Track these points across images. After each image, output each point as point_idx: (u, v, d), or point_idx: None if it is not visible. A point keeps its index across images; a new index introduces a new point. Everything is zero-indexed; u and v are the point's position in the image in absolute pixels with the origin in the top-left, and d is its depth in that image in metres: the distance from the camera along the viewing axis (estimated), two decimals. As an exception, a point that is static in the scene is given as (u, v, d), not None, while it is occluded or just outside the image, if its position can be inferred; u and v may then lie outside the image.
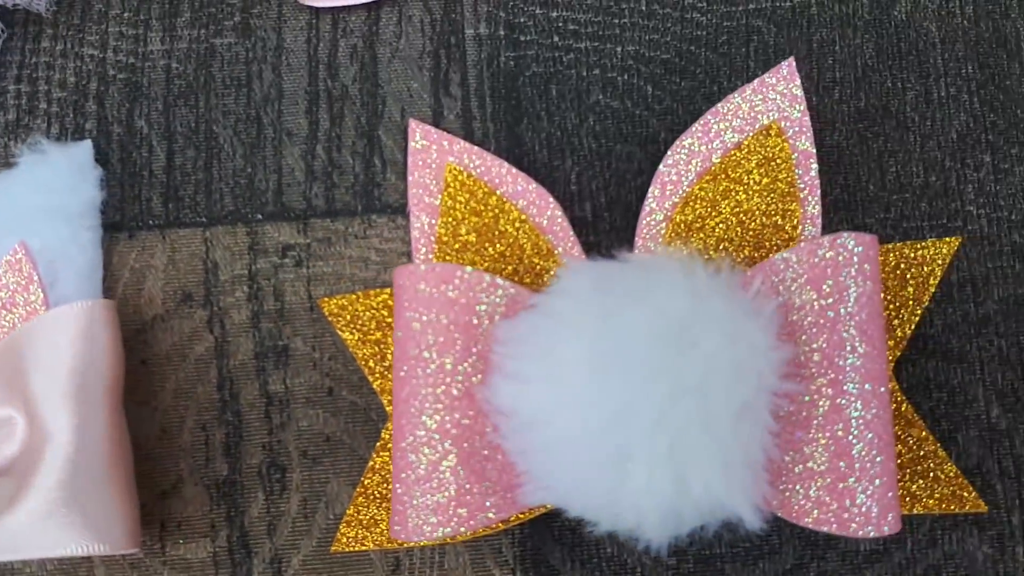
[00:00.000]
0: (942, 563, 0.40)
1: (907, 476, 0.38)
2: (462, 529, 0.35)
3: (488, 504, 0.35)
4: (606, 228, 0.43)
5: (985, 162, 0.43)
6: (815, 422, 0.34)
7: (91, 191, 0.41)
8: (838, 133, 0.43)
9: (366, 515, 0.39)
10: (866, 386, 0.34)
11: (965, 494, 0.37)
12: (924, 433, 0.38)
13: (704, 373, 0.32)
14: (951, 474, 0.38)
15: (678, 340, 0.32)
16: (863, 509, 0.33)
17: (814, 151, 0.40)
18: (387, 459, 0.39)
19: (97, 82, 0.43)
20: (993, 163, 0.43)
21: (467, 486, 0.35)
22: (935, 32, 0.44)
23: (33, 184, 0.40)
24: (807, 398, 0.34)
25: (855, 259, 0.35)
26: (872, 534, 0.34)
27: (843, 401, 0.34)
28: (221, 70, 0.44)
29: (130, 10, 0.44)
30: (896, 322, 0.39)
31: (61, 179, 0.41)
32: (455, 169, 0.41)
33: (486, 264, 0.40)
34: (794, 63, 0.41)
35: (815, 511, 0.34)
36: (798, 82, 0.40)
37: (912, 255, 0.39)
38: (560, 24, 0.44)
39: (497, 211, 0.40)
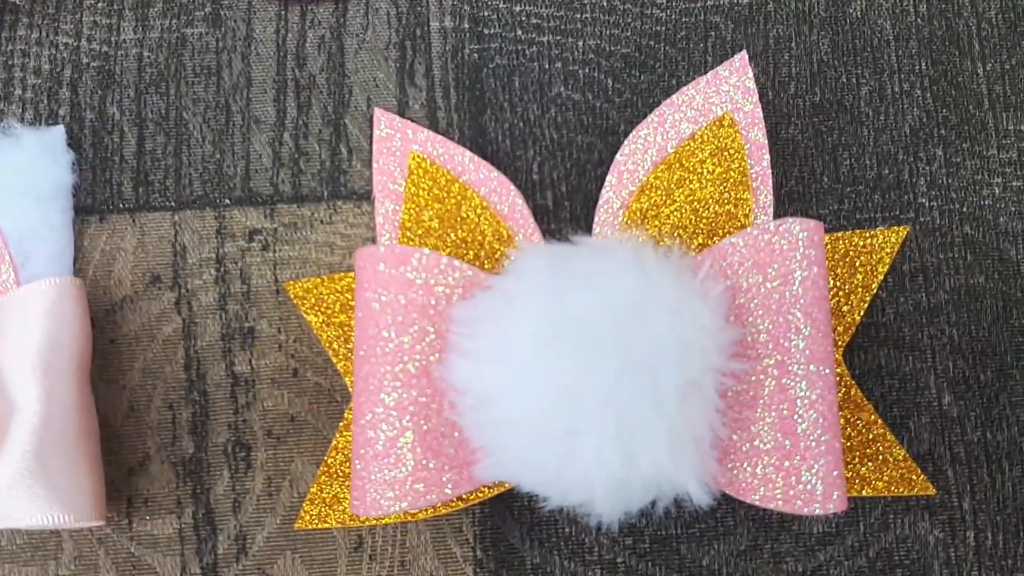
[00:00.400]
0: (894, 546, 0.41)
1: (856, 459, 0.39)
2: (420, 504, 0.36)
3: (445, 480, 0.36)
4: (567, 216, 0.44)
5: (937, 156, 0.44)
6: (761, 402, 0.35)
7: (63, 174, 0.42)
8: (793, 127, 0.45)
9: (329, 493, 0.40)
10: (811, 367, 0.35)
11: (914, 477, 0.39)
12: (873, 416, 0.39)
13: (651, 351, 0.33)
14: (899, 457, 0.39)
15: (627, 320, 0.34)
16: (808, 487, 0.35)
17: (766, 142, 0.41)
18: (350, 439, 0.40)
19: (71, 69, 0.44)
20: (945, 157, 0.44)
21: (424, 462, 0.36)
22: (889, 29, 0.46)
23: (5, 167, 0.41)
24: (753, 378, 0.35)
25: (800, 244, 0.36)
26: (818, 511, 0.35)
27: (788, 381, 0.35)
28: (192, 59, 0.45)
29: (104, 0, 0.45)
30: (846, 308, 0.40)
31: (33, 162, 0.41)
32: (419, 157, 0.42)
33: (448, 249, 0.41)
34: (746, 56, 0.42)
35: (761, 488, 0.35)
36: (750, 75, 0.41)
37: (861, 243, 0.40)
38: (523, 18, 0.45)
39: (459, 198, 0.41)
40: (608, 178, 0.41)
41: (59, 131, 0.43)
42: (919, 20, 0.46)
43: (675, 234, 0.40)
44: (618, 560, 0.41)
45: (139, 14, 0.45)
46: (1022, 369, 0.43)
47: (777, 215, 0.43)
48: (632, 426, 0.33)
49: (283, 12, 0.45)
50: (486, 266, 0.41)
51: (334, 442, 0.40)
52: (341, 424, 0.40)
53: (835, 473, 0.35)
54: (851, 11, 0.46)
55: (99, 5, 0.45)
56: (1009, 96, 0.45)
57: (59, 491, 0.36)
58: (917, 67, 0.45)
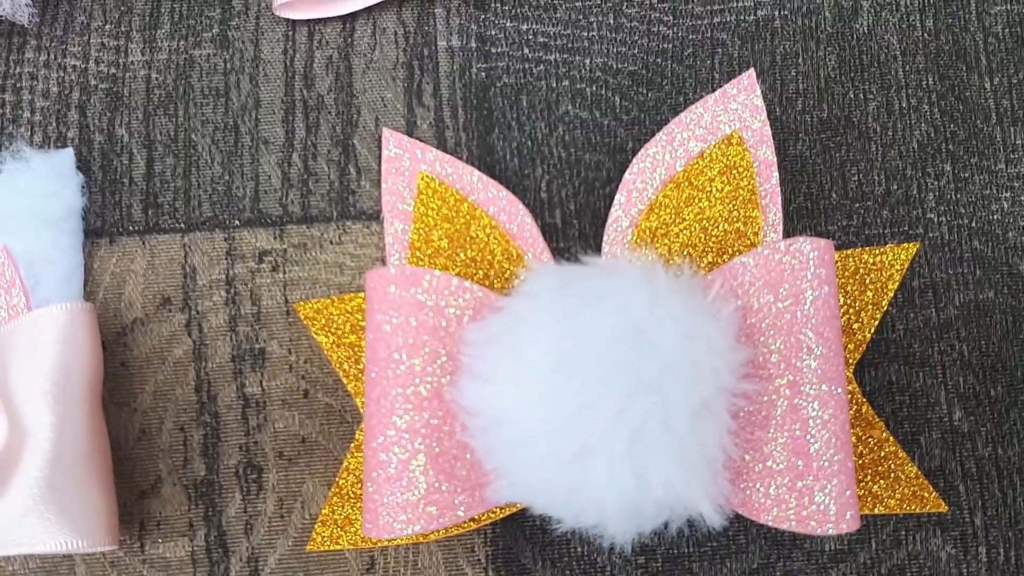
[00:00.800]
0: (906, 563, 0.41)
1: (868, 476, 0.39)
2: (432, 527, 0.35)
3: (457, 502, 0.36)
4: (575, 235, 0.44)
5: (945, 171, 0.44)
6: (774, 422, 0.35)
7: (72, 197, 0.42)
8: (801, 143, 0.45)
9: (341, 515, 0.40)
10: (823, 387, 0.35)
11: (926, 494, 0.38)
12: (884, 434, 0.39)
13: (662, 372, 0.33)
14: (912, 475, 0.39)
15: (637, 340, 0.34)
16: (821, 507, 0.34)
17: (774, 160, 0.41)
18: (361, 460, 0.40)
19: (79, 92, 0.44)
20: (953, 172, 0.44)
21: (437, 484, 0.36)
22: (896, 44, 0.46)
23: (15, 189, 0.41)
24: (765, 398, 0.35)
25: (811, 263, 0.36)
26: (831, 532, 0.35)
27: (800, 401, 0.35)
28: (200, 80, 0.45)
29: (111, 22, 0.45)
30: (856, 326, 0.40)
31: (43, 185, 0.42)
32: (427, 176, 0.42)
33: (458, 269, 0.41)
34: (754, 74, 0.42)
35: (775, 509, 0.35)
36: (758, 93, 0.41)
37: (871, 260, 0.40)
38: (530, 37, 0.45)
39: (468, 217, 0.41)
40: (617, 196, 0.41)
41: (68, 154, 0.43)
42: (926, 35, 0.46)
43: (685, 253, 0.40)
44: (630, 579, 0.41)
45: (147, 36, 0.45)
46: (1033, 384, 0.43)
47: (786, 232, 0.43)
48: (644, 447, 0.33)
49: (291, 32, 0.45)
50: (496, 285, 0.41)
51: (345, 463, 0.40)
52: (352, 445, 0.40)
53: (848, 493, 0.35)
54: (858, 26, 0.46)
55: (107, 27, 0.45)
56: (1016, 110, 0.45)
57: (72, 517, 0.36)
58: (924, 82, 0.45)
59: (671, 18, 0.46)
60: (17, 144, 0.43)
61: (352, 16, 0.45)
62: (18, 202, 0.41)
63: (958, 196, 0.44)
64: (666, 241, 0.40)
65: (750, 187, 0.40)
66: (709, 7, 0.46)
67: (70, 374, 0.38)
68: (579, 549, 0.41)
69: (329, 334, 0.41)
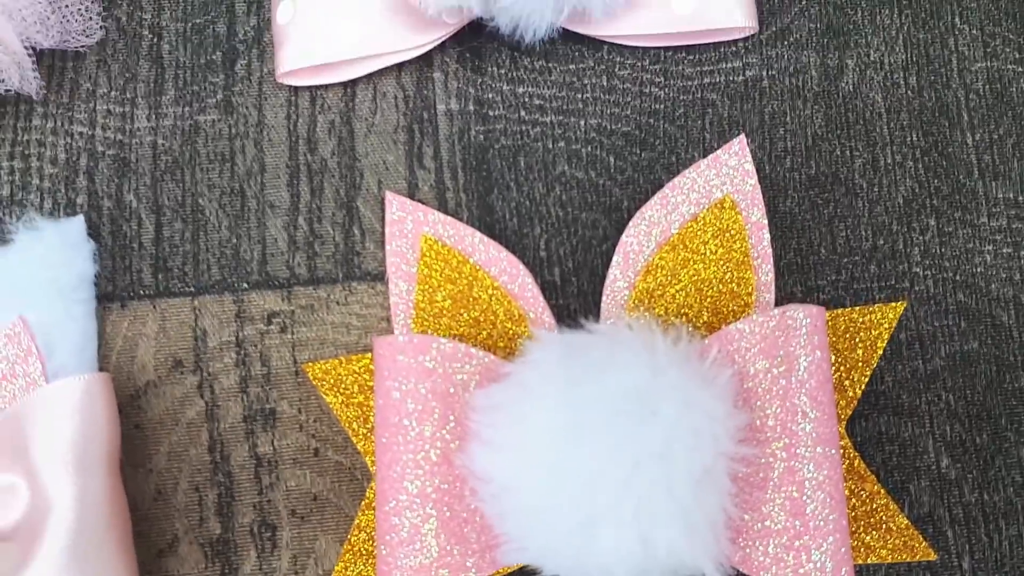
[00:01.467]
0: (896, 606, 0.43)
1: (861, 528, 0.40)
2: (444, 588, 0.37)
3: (469, 564, 0.37)
4: (574, 292, 0.45)
5: (930, 225, 0.46)
6: (771, 483, 0.37)
7: (84, 265, 0.43)
8: (790, 200, 0.46)
9: (353, 571, 0.41)
10: (818, 449, 0.37)
11: (915, 544, 0.40)
12: (876, 487, 0.40)
13: (665, 440, 0.35)
14: (902, 526, 0.40)
15: (639, 410, 0.35)
16: (818, 564, 0.36)
17: (766, 222, 0.42)
18: (372, 517, 0.41)
19: (87, 158, 0.46)
20: (938, 226, 0.46)
21: (448, 547, 0.37)
22: (881, 102, 0.47)
23: (29, 260, 0.42)
24: (763, 461, 0.37)
25: (804, 330, 0.38)
26: (826, 587, 0.36)
27: (796, 464, 0.37)
28: (205, 146, 0.46)
29: (117, 89, 0.46)
30: (847, 383, 0.41)
31: (55, 254, 0.43)
32: (430, 239, 0.43)
33: (462, 329, 0.42)
34: (744, 139, 0.43)
35: (773, 567, 0.36)
36: (749, 157, 0.43)
37: (860, 320, 0.42)
38: (526, 99, 0.47)
39: (471, 279, 0.43)
40: (614, 258, 0.43)
41: (79, 222, 0.44)
42: (909, 92, 0.47)
43: (681, 314, 0.41)
44: (633, 628, 0.42)
45: (152, 102, 0.46)
46: (1016, 431, 0.44)
47: (778, 287, 0.44)
48: (649, 514, 0.34)
49: (293, 98, 0.47)
50: (499, 345, 0.42)
51: (357, 520, 0.41)
52: (363, 503, 0.42)
53: (843, 550, 0.36)
54: (843, 85, 0.47)
55: (112, 94, 0.46)
56: (998, 165, 0.47)
57: (94, 586, 0.37)
58: (908, 138, 0.47)
59: (662, 79, 0.47)
60: (28, 213, 0.44)
61: (353, 81, 0.47)
62: (32, 273, 0.42)
63: (942, 250, 0.46)
64: (663, 302, 0.42)
65: (743, 249, 0.42)
66: (699, 68, 0.47)
67: (89, 444, 0.39)
68: (583, 600, 0.42)
69: (338, 394, 0.43)
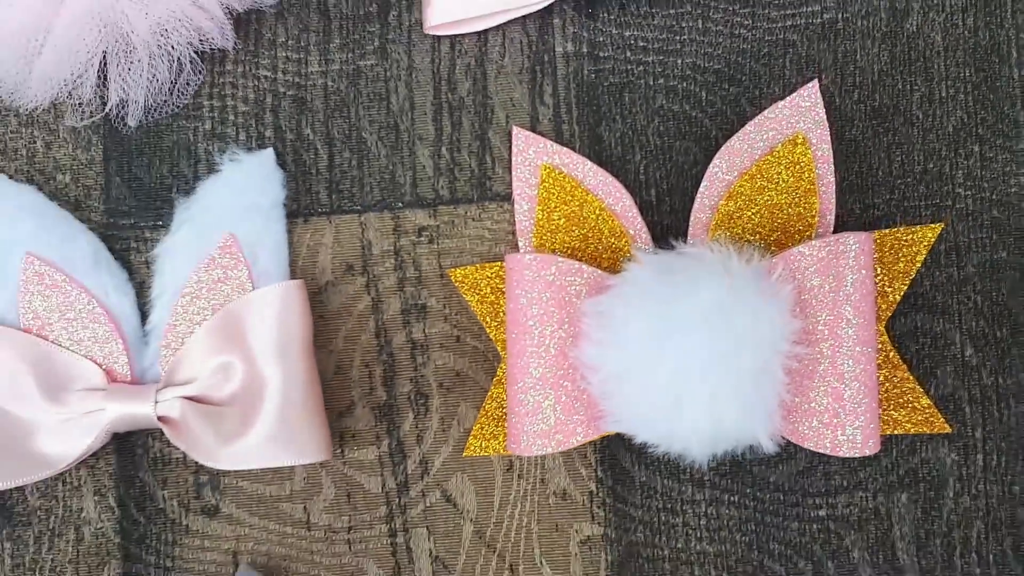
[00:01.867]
0: (918, 466, 0.53)
1: (892, 407, 0.50)
2: (559, 448, 0.49)
3: (578, 431, 0.48)
4: (667, 210, 0.55)
5: (974, 151, 0.54)
6: (817, 375, 0.47)
7: (277, 190, 0.54)
8: (855, 128, 0.54)
9: (487, 431, 0.53)
10: (856, 348, 0.47)
11: (935, 419, 0.50)
12: (905, 374, 0.50)
13: (736, 343, 0.45)
14: (925, 405, 0.50)
15: (716, 319, 0.45)
16: (850, 438, 0.46)
17: (831, 157, 0.51)
18: (502, 391, 0.53)
19: (271, 98, 0.56)
20: (981, 152, 0.54)
21: (563, 419, 0.48)
22: (940, 41, 0.55)
23: (233, 186, 0.54)
24: (812, 357, 0.47)
25: (852, 253, 0.47)
26: (857, 455, 0.47)
27: (838, 359, 0.47)
28: (366, 87, 0.56)
29: (292, 38, 0.56)
30: (889, 290, 0.51)
31: (254, 181, 0.54)
32: (549, 167, 0.53)
33: (574, 243, 0.52)
34: (817, 85, 0.52)
35: (816, 438, 0.47)
36: (820, 101, 0.51)
37: (904, 238, 0.51)
38: (632, 41, 0.55)
39: (582, 201, 0.53)
40: (702, 184, 0.52)
41: (270, 153, 0.55)
42: (966, 32, 0.54)
43: (756, 232, 0.51)
44: (704, 478, 0.53)
45: (321, 49, 0.56)
46: (1036, 328, 0.53)
47: (839, 205, 0.53)
48: (720, 398, 0.45)
49: (437, 44, 0.56)
50: (604, 256, 0.52)
51: (490, 392, 0.53)
52: (495, 379, 0.53)
53: (872, 427, 0.47)
54: (908, 26, 0.55)
55: (289, 43, 0.56)
56: (1040, 96, 0.54)
57: (301, 440, 0.50)
58: (962, 73, 0.54)
59: (750, 22, 0.55)
60: (232, 148, 0.55)
61: (485, 30, 0.56)
62: (237, 198, 0.53)
63: (983, 173, 0.54)
64: (741, 223, 0.51)
65: (810, 179, 0.51)
66: (782, 11, 0.55)
67: (289, 334, 0.51)
68: (666, 454, 0.54)
69: (474, 293, 0.54)
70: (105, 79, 0.53)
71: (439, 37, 0.56)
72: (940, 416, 0.50)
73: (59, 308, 0.53)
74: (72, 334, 0.53)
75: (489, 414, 0.53)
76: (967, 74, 0.54)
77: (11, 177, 0.55)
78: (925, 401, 0.50)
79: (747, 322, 0.45)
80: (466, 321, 0.55)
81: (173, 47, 0.51)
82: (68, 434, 0.51)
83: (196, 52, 0.53)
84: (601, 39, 0.55)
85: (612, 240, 0.52)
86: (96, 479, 0.54)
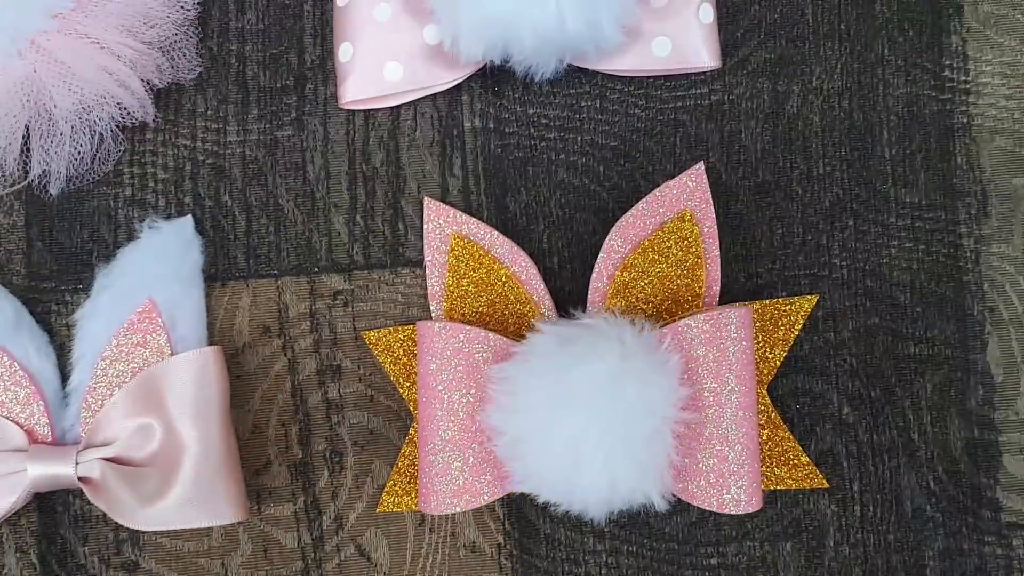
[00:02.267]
0: (801, 517, 0.57)
1: (774, 464, 0.55)
2: (467, 506, 0.52)
3: (487, 490, 0.52)
4: (568, 276, 0.58)
5: (849, 224, 0.59)
6: (703, 438, 0.51)
7: (196, 257, 0.56)
8: (740, 203, 0.59)
9: (400, 487, 0.56)
10: (739, 413, 0.51)
11: (814, 476, 0.55)
12: (786, 434, 0.55)
13: (627, 410, 0.49)
14: (805, 462, 0.55)
15: (611, 388, 0.49)
16: (735, 496, 0.51)
17: (716, 233, 0.55)
18: (414, 449, 0.55)
19: (191, 166, 0.58)
20: (855, 225, 0.59)
21: (471, 479, 0.52)
22: (818, 122, 0.59)
23: (153, 252, 0.56)
24: (698, 422, 0.51)
25: (734, 326, 0.51)
26: (740, 512, 0.51)
27: (722, 424, 0.51)
28: (283, 156, 0.59)
29: (212, 108, 0.59)
30: (770, 355, 0.55)
31: (173, 248, 0.56)
32: (459, 236, 0.57)
33: (482, 308, 0.56)
34: (703, 167, 0.56)
35: (703, 496, 0.51)
36: (705, 181, 0.56)
37: (783, 308, 0.55)
38: (535, 119, 0.59)
39: (489, 268, 0.56)
40: (599, 255, 0.56)
41: (189, 221, 0.57)
42: (842, 114, 0.59)
43: (648, 301, 0.55)
44: (604, 530, 0.57)
45: (240, 120, 0.59)
46: (903, 387, 0.58)
47: (724, 274, 0.57)
48: (615, 462, 0.49)
49: (351, 117, 0.59)
50: (511, 322, 0.56)
51: (402, 450, 0.56)
52: (407, 437, 0.56)
53: (754, 486, 0.51)
54: (789, 107, 0.59)
55: (208, 113, 0.59)
56: (908, 174, 0.59)
57: (216, 502, 0.52)
58: (838, 152, 0.59)
59: (644, 102, 0.59)
60: (151, 217, 0.57)
61: (398, 105, 0.59)
62: (156, 264, 0.56)
63: (857, 245, 0.59)
64: (635, 291, 0.55)
65: (697, 253, 0.55)
66: (673, 93, 0.59)
67: (207, 400, 0.53)
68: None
69: (388, 356, 0.57)
70: (28, 150, 0.55)
71: (354, 111, 0.59)
72: (818, 473, 0.55)
73: (-20, 371, 0.54)
74: (-7, 396, 0.54)
75: (402, 471, 0.56)
76: (843, 153, 0.59)
77: (-69, 241, 0.57)
78: (804, 459, 0.55)
79: (638, 390, 0.49)
80: (379, 381, 0.58)
81: (95, 121, 0.53)
82: (-10, 495, 0.52)
83: (117, 125, 0.55)
84: (506, 116, 0.59)
85: (518, 306, 0.56)
86: (18, 536, 0.56)
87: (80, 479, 0.53)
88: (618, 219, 0.56)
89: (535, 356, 0.51)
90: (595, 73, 0.59)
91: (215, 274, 0.58)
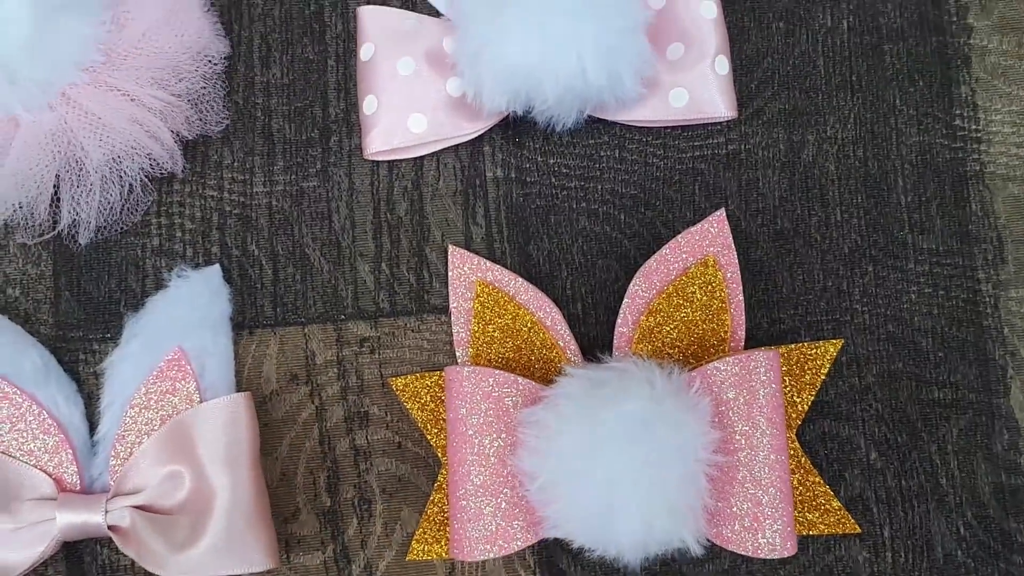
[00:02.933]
0: (833, 563, 0.57)
1: (805, 508, 0.55)
2: (500, 553, 0.52)
3: (519, 536, 0.52)
4: (592, 322, 0.59)
5: (868, 271, 0.60)
6: (736, 482, 0.51)
7: (224, 305, 0.57)
8: (760, 249, 0.60)
9: (430, 535, 0.55)
10: (771, 456, 0.51)
11: (846, 520, 0.55)
12: (816, 479, 0.55)
13: (659, 453, 0.49)
14: (836, 507, 0.55)
15: (643, 431, 0.49)
16: (770, 540, 0.51)
17: (739, 278, 0.56)
18: (443, 495, 0.55)
19: (218, 216, 0.59)
20: (875, 271, 0.60)
21: (503, 524, 0.52)
22: (834, 171, 0.60)
23: (182, 301, 0.56)
24: (731, 465, 0.51)
25: (763, 369, 0.52)
26: (776, 556, 0.51)
27: (755, 467, 0.51)
28: (309, 206, 0.59)
29: (238, 160, 0.59)
30: (798, 400, 0.56)
31: (202, 297, 0.56)
32: (483, 283, 0.57)
33: (508, 354, 0.56)
34: (724, 213, 0.57)
35: (737, 541, 0.51)
36: (727, 227, 0.56)
37: (809, 352, 0.56)
38: (556, 168, 0.60)
39: (515, 314, 0.57)
40: (624, 301, 0.57)
41: (217, 270, 0.58)
42: (857, 162, 0.61)
43: (674, 346, 0.55)
44: (635, 577, 0.57)
45: (266, 171, 0.60)
46: (929, 432, 0.58)
47: (748, 319, 0.58)
48: (648, 505, 0.49)
49: (376, 168, 0.60)
50: (537, 367, 0.56)
51: (431, 497, 0.56)
52: (436, 484, 0.56)
53: (788, 530, 0.51)
54: (804, 156, 0.61)
55: (235, 164, 0.59)
56: (924, 221, 0.60)
57: (247, 550, 0.52)
58: (854, 200, 0.60)
59: (662, 152, 0.60)
60: (181, 266, 0.57)
61: (420, 156, 0.60)
62: (185, 312, 0.56)
63: (877, 290, 0.59)
64: (660, 336, 0.56)
65: (722, 298, 0.56)
66: (691, 143, 0.60)
67: (237, 447, 0.53)
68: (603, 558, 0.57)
69: (415, 402, 0.57)
70: (57, 199, 0.55)
71: (378, 161, 0.60)
72: (850, 518, 0.55)
73: (9, 419, 0.54)
74: (22, 444, 0.54)
75: (431, 519, 0.55)
76: (859, 200, 0.60)
77: (-41, 292, 0.57)
78: (836, 504, 0.55)
79: (671, 433, 0.49)
80: (407, 428, 0.58)
81: (125, 172, 0.54)
82: (19, 543, 0.52)
83: (146, 175, 0.56)
84: (528, 165, 0.60)
85: (544, 351, 0.56)
86: (41, 589, 0.55)
87: (109, 527, 0.52)
88: (640, 265, 0.57)
89: (566, 400, 0.51)
90: (613, 124, 0.60)
91: (242, 322, 0.58)
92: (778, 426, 0.52)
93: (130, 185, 0.55)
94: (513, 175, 0.60)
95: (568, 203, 0.60)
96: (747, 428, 0.51)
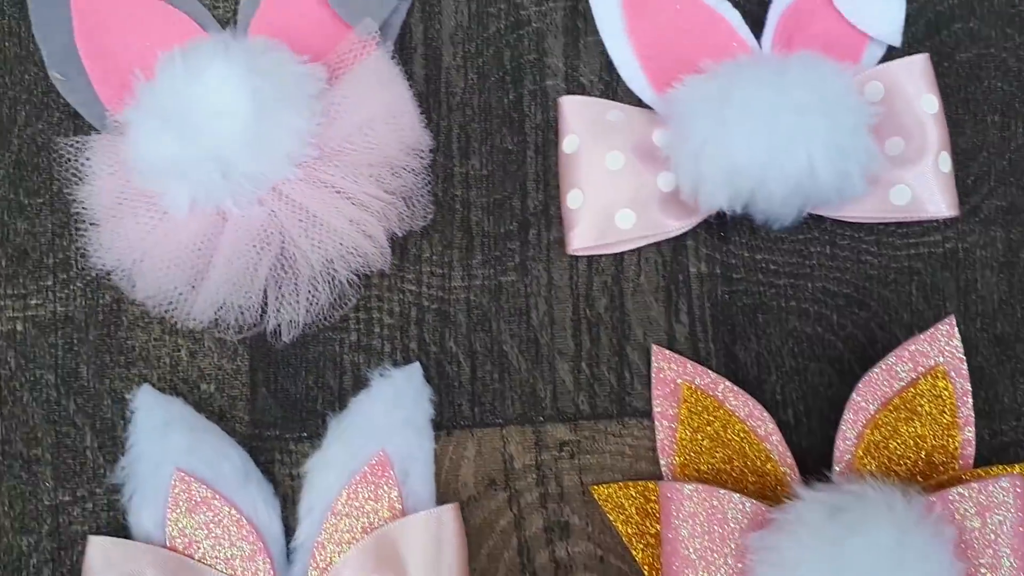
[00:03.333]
0: None
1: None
2: None
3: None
4: (805, 432, 0.56)
5: (1095, 378, 0.57)
6: (982, 618, 0.48)
7: (427, 406, 0.55)
8: (980, 356, 0.57)
9: (636, 653, 0.53)
10: (1017, 590, 0.48)
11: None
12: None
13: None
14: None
15: (888, 563, 0.46)
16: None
17: (970, 390, 0.53)
18: (650, 614, 0.53)
19: (416, 311, 0.57)
20: (1101, 379, 0.56)
21: (730, 656, 0.49)
22: (1056, 272, 0.57)
23: (385, 402, 0.54)
24: (977, 599, 0.48)
25: (1009, 496, 0.49)
26: None
27: (1000, 603, 0.48)
28: (507, 301, 0.57)
29: (436, 254, 0.58)
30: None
31: (405, 397, 0.55)
32: (691, 387, 0.55)
33: (718, 464, 0.54)
34: (954, 319, 0.54)
35: None
36: (958, 336, 0.54)
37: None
38: (763, 264, 0.58)
39: (725, 422, 0.54)
40: (844, 413, 0.54)
41: (417, 368, 0.56)
42: (1078, 262, 0.57)
43: (901, 463, 0.52)
44: None
45: (464, 265, 0.58)
46: None
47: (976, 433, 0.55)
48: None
49: (575, 263, 0.58)
50: (750, 480, 0.53)
51: (638, 615, 0.54)
52: (644, 602, 0.54)
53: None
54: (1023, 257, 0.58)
55: (433, 258, 0.58)
56: None
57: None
58: (1079, 303, 0.57)
59: (876, 249, 0.58)
60: (384, 365, 0.56)
61: (621, 251, 0.58)
62: (389, 414, 0.54)
63: (1106, 399, 0.56)
64: (886, 452, 0.53)
65: (952, 412, 0.53)
66: (906, 240, 0.58)
67: (445, 562, 0.51)
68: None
69: (619, 514, 0.54)
70: (264, 298, 0.54)
71: (577, 256, 0.58)
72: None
73: (206, 525, 0.53)
74: (219, 552, 0.53)
75: (639, 638, 0.53)
76: (1084, 302, 0.57)
77: (153, 386, 0.56)
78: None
79: (920, 567, 0.47)
80: (610, 540, 0.55)
81: (336, 271, 0.53)
82: (219, 656, 0.50)
83: (355, 273, 0.54)
84: (733, 261, 0.58)
85: (758, 464, 0.53)
86: None
87: (313, 640, 0.51)
88: (855, 370, 0.55)
89: (803, 526, 0.48)
90: (822, 218, 0.57)
91: (440, 423, 0.56)
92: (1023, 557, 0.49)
93: (339, 283, 0.53)
94: (718, 271, 0.57)
95: (777, 301, 0.57)
96: (992, 561, 0.48)
